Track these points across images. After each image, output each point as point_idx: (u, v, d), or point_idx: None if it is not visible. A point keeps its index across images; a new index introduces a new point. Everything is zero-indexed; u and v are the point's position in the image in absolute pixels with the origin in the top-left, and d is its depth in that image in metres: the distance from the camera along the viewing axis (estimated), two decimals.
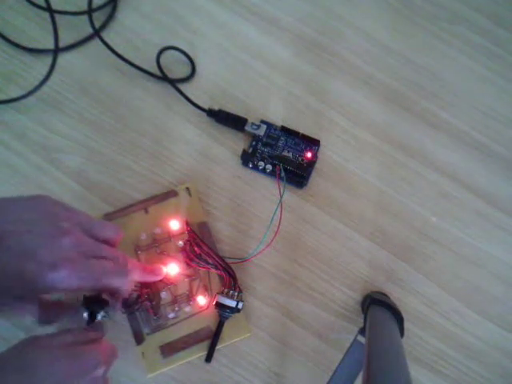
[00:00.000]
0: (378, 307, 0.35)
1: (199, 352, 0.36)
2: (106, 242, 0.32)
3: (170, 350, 0.36)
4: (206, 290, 0.37)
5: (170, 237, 0.38)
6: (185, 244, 0.37)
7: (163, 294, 0.37)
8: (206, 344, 0.36)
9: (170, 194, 0.39)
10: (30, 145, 0.41)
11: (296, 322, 0.39)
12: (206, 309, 0.37)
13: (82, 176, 0.40)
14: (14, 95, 0.41)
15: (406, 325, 0.35)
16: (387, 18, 0.45)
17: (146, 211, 0.39)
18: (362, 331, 0.34)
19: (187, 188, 0.39)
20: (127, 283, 0.32)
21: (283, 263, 0.39)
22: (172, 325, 0.36)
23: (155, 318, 0.36)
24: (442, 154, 0.42)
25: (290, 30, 0.44)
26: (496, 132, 0.43)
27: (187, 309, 0.37)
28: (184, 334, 0.36)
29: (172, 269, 0.37)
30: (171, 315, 0.36)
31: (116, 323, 0.36)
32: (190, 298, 0.37)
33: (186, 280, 0.37)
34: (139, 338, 0.36)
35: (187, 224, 0.38)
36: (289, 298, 0.39)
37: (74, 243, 0.28)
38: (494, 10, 0.46)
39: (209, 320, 0.37)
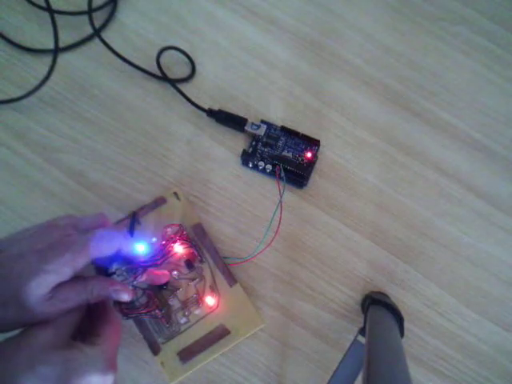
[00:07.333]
0: (378, 307, 0.35)
1: (217, 351, 0.36)
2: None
3: (188, 354, 0.36)
4: (213, 289, 0.37)
5: (167, 244, 0.37)
6: (184, 248, 0.37)
7: (171, 301, 0.37)
8: (222, 343, 0.36)
9: (158, 201, 0.39)
10: (30, 145, 0.41)
11: (296, 321, 0.39)
12: (216, 308, 0.37)
13: (82, 176, 0.40)
14: (14, 95, 0.41)
15: (406, 325, 0.35)
16: (387, 17, 0.45)
17: (138, 222, 0.38)
18: (362, 331, 0.34)
19: (175, 193, 0.39)
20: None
21: (283, 263, 0.39)
22: (185, 330, 0.36)
23: (167, 325, 0.36)
24: (442, 154, 0.42)
25: (290, 30, 0.44)
26: (496, 132, 0.43)
27: (197, 311, 0.37)
28: (199, 336, 0.36)
29: (175, 275, 0.37)
30: (183, 320, 0.36)
31: (129, 338, 0.37)
32: (198, 300, 0.37)
33: (191, 283, 0.37)
34: (155, 349, 0.36)
35: (180, 229, 0.37)
36: (289, 298, 0.39)
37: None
38: (494, 10, 0.46)
39: (221, 319, 0.37)
